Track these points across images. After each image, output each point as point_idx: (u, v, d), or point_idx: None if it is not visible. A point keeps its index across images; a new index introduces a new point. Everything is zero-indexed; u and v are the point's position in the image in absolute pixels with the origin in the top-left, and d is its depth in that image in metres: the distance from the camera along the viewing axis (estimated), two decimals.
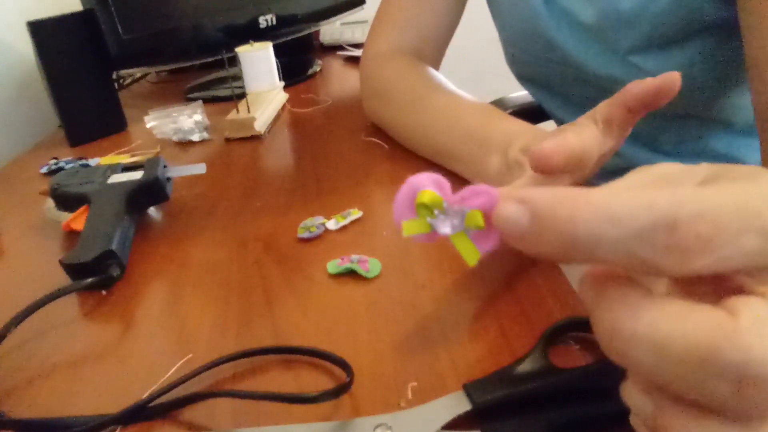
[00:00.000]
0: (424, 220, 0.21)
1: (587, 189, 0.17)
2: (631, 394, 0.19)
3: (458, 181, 0.52)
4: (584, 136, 0.34)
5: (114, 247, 0.44)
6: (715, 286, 0.18)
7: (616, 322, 0.17)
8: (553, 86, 0.69)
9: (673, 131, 0.63)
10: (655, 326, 0.16)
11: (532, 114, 0.87)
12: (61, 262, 0.43)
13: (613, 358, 0.17)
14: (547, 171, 0.30)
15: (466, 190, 0.21)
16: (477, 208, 0.20)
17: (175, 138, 0.74)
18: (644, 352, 0.16)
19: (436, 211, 0.21)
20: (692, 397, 0.16)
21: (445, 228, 0.21)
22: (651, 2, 0.51)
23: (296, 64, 1.02)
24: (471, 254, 0.21)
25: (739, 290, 0.17)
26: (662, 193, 0.16)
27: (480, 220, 0.20)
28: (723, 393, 0.15)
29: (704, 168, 0.20)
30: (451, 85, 0.59)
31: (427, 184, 0.21)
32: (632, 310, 0.17)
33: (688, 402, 0.17)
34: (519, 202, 0.18)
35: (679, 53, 0.53)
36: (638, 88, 0.33)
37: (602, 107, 0.36)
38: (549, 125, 0.82)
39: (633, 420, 0.20)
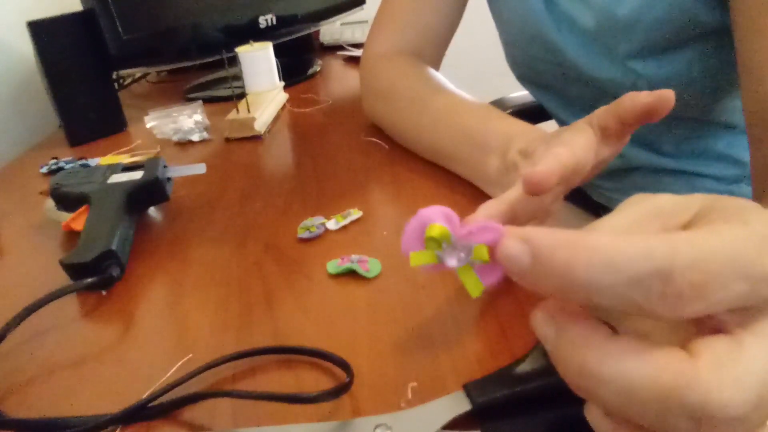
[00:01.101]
0: (432, 252, 0.22)
1: (587, 233, 0.18)
2: (593, 415, 0.20)
3: (459, 181, 0.52)
4: (578, 148, 0.34)
5: (114, 247, 0.44)
6: (696, 321, 0.19)
7: (583, 365, 0.18)
8: (554, 87, 0.69)
9: (673, 132, 0.63)
10: (620, 370, 0.17)
11: (532, 114, 0.87)
12: (61, 262, 0.43)
13: (580, 394, 0.19)
14: (541, 194, 0.30)
15: (474, 225, 0.21)
16: (484, 243, 0.21)
17: (175, 138, 0.74)
18: (610, 393, 0.17)
19: (444, 244, 0.22)
20: (652, 428, 0.17)
21: (452, 261, 0.22)
22: (647, 9, 0.51)
23: (296, 64, 1.02)
24: (475, 287, 0.22)
25: (717, 327, 0.18)
26: (659, 242, 0.17)
27: (486, 255, 0.21)
28: (684, 430, 0.16)
29: (698, 201, 0.20)
30: (450, 86, 0.59)
31: (436, 218, 0.22)
32: (598, 353, 0.17)
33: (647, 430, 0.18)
34: (521, 240, 0.18)
35: (677, 58, 0.53)
36: (631, 103, 0.33)
37: (599, 113, 0.36)
38: (550, 125, 0.82)
39: None
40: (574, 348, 0.18)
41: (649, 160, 0.66)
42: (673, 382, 0.16)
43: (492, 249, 0.21)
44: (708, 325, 0.18)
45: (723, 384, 0.16)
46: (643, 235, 0.17)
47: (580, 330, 0.18)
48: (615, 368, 0.17)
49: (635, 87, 0.57)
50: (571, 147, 0.33)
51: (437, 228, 0.22)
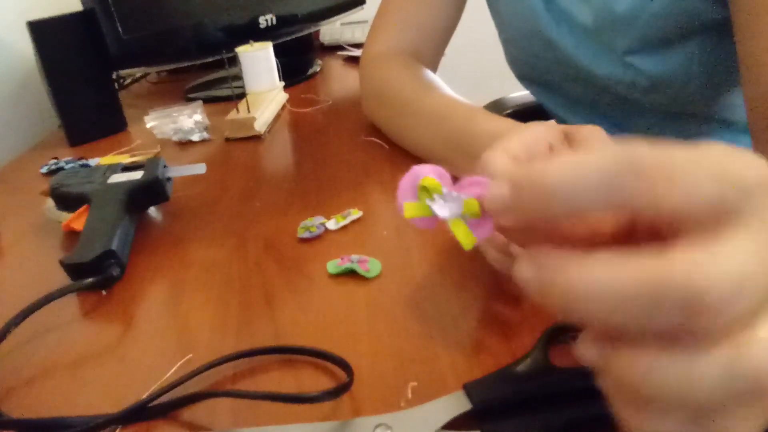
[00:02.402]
0: (425, 204, 0.23)
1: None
2: (586, 348, 0.20)
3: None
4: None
5: (114, 247, 0.44)
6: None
7: (568, 285, 0.18)
8: (554, 85, 0.69)
9: (673, 129, 0.63)
10: (605, 277, 0.17)
11: (532, 114, 0.87)
12: (61, 262, 0.43)
13: (574, 317, 0.18)
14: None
15: (464, 180, 0.23)
16: (474, 197, 0.22)
17: (175, 138, 0.74)
18: (600, 303, 0.17)
19: (435, 196, 0.23)
20: (648, 335, 0.17)
21: (443, 212, 0.23)
22: (646, 4, 0.51)
23: (296, 64, 1.02)
24: (467, 239, 0.22)
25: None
26: (623, 147, 0.18)
27: (476, 208, 0.22)
28: (674, 322, 0.17)
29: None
30: (442, 87, 0.59)
31: (429, 172, 0.23)
32: (580, 269, 0.18)
33: (642, 343, 0.18)
34: (500, 178, 0.20)
35: (676, 54, 0.53)
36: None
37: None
38: None
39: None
40: (556, 272, 0.18)
41: None
42: (657, 273, 0.17)
43: (482, 203, 0.22)
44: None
45: (704, 268, 0.16)
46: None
47: (559, 256, 0.18)
48: (599, 277, 0.17)
49: (634, 83, 0.57)
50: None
51: (429, 179, 0.23)
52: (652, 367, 0.17)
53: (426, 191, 0.23)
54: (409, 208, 0.23)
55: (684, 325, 0.16)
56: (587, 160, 0.18)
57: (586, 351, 0.20)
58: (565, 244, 0.19)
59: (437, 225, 0.23)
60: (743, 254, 0.17)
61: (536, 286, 0.19)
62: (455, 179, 0.23)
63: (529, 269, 0.19)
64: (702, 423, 0.18)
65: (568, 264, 0.18)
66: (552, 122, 0.37)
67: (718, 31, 0.50)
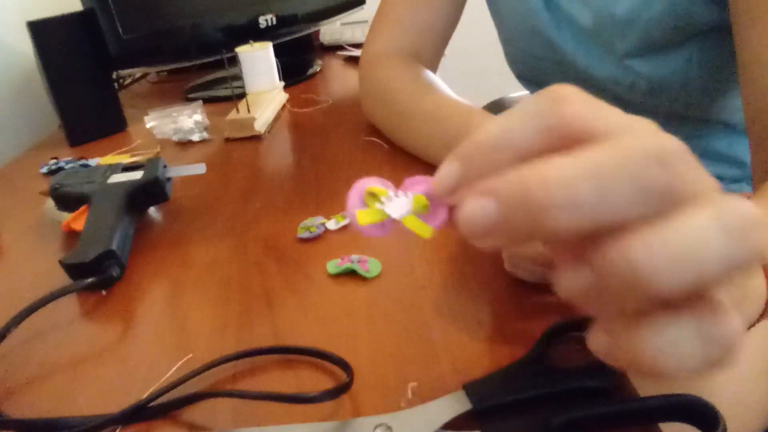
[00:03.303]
0: (376, 209, 0.24)
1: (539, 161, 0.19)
2: (597, 338, 0.20)
3: None
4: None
5: (114, 247, 0.44)
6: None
7: (546, 179, 0.18)
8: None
9: (674, 132, 0.63)
10: (582, 163, 0.18)
11: None
12: (61, 262, 0.43)
13: (559, 223, 0.18)
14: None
15: (406, 182, 0.24)
16: (420, 193, 0.23)
17: (175, 138, 0.74)
18: (586, 186, 0.17)
19: (383, 199, 0.24)
20: (635, 208, 0.17)
21: (395, 211, 0.24)
22: (645, 7, 0.51)
23: (296, 64, 1.02)
24: (424, 229, 0.23)
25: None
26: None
27: (425, 201, 0.23)
28: (657, 180, 0.17)
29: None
30: (441, 87, 0.59)
31: (372, 182, 0.25)
32: (554, 163, 0.18)
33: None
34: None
35: (675, 56, 0.53)
36: None
37: None
38: None
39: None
40: (531, 175, 0.18)
41: None
42: (630, 148, 0.17)
43: (429, 197, 0.23)
44: None
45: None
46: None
47: (524, 167, 0.18)
48: (576, 164, 0.17)
49: (634, 85, 0.57)
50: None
51: (374, 187, 0.24)
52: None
53: (374, 197, 0.24)
54: (363, 215, 0.24)
55: (665, 179, 0.17)
56: (517, 107, 0.20)
57: (597, 339, 0.20)
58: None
59: (391, 230, 0.24)
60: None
61: (504, 208, 0.19)
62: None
63: (489, 202, 0.19)
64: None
65: (541, 165, 0.18)
66: None
67: (717, 34, 0.51)
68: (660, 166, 0.17)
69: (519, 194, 0.18)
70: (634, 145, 0.17)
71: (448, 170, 0.21)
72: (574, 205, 0.17)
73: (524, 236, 0.19)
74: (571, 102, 0.19)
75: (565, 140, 0.19)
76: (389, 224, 0.24)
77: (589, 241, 0.18)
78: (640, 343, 0.18)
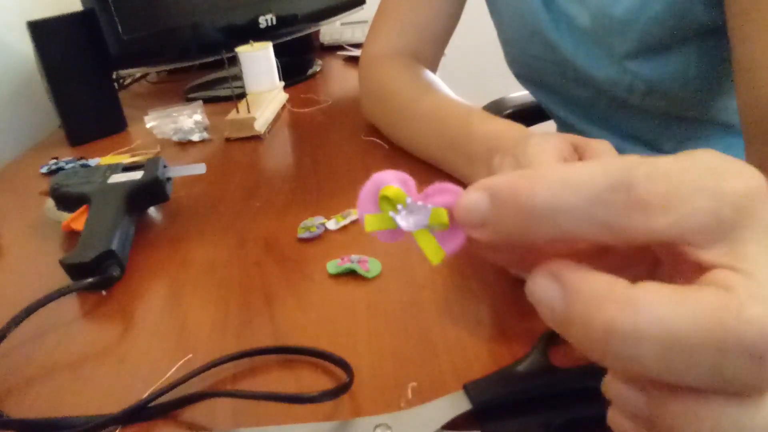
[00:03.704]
0: (388, 216, 0.21)
1: (543, 166, 0.17)
2: (617, 389, 0.18)
3: (458, 182, 0.52)
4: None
5: (114, 247, 0.44)
6: (673, 270, 0.18)
7: (612, 324, 0.15)
8: (552, 86, 0.69)
9: (673, 132, 0.63)
10: (659, 318, 0.15)
11: (532, 114, 0.87)
12: (61, 262, 0.43)
13: (607, 363, 0.16)
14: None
15: (431, 188, 0.21)
16: (442, 206, 0.20)
17: (175, 138, 0.74)
18: (651, 349, 0.15)
19: (399, 207, 0.21)
20: (704, 384, 0.15)
21: (407, 224, 0.20)
22: (643, 9, 0.51)
23: (296, 64, 1.02)
24: (434, 252, 0.20)
25: (697, 268, 0.17)
26: (614, 159, 0.17)
27: (444, 218, 0.20)
28: (743, 372, 0.15)
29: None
30: (441, 87, 0.59)
31: (391, 181, 0.21)
32: (628, 305, 0.15)
33: (688, 388, 0.16)
34: (478, 189, 0.18)
35: (674, 58, 0.53)
36: None
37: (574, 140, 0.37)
38: (549, 125, 0.82)
39: (613, 416, 0.19)
40: (594, 306, 0.15)
41: None
42: (721, 319, 0.14)
43: (452, 213, 0.20)
44: (688, 268, 0.17)
45: None
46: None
47: (598, 282, 0.16)
48: (652, 317, 0.15)
49: (632, 86, 0.57)
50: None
51: (391, 189, 0.21)
52: (721, 420, 0.15)
53: (389, 201, 0.21)
54: (371, 221, 0.21)
55: (754, 376, 0.15)
56: (576, 175, 0.16)
57: (613, 393, 0.18)
58: (543, 258, 0.18)
59: (404, 238, 0.21)
60: None
61: (562, 315, 0.17)
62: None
63: (555, 292, 0.17)
64: None
65: (612, 297, 0.15)
66: (562, 135, 0.37)
67: (715, 36, 0.50)
68: (752, 361, 0.14)
69: (571, 328, 0.16)
70: (726, 320, 0.14)
71: (475, 202, 0.18)
72: (634, 361, 0.15)
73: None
74: (661, 203, 0.16)
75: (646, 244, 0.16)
76: (399, 233, 0.21)
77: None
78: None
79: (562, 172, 0.17)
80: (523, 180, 0.17)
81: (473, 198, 0.18)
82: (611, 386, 0.18)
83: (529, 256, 0.19)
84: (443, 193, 0.20)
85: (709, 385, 0.15)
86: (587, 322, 0.16)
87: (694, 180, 0.16)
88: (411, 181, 0.21)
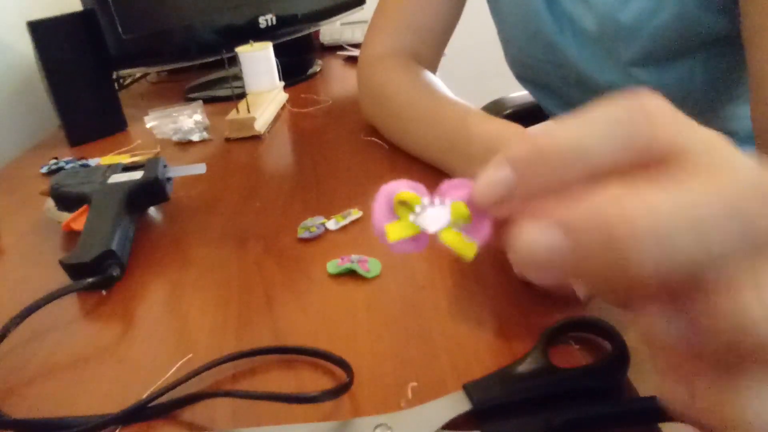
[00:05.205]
0: (408, 222, 0.20)
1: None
2: (668, 387, 0.18)
3: None
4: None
5: (114, 247, 0.44)
6: None
7: (629, 215, 0.15)
8: (553, 88, 0.69)
9: None
10: (679, 196, 0.15)
11: (532, 114, 0.87)
12: (61, 262, 0.43)
13: (644, 266, 0.15)
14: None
15: (443, 185, 0.20)
16: (459, 200, 0.19)
17: (175, 138, 0.74)
18: (681, 224, 0.15)
19: (417, 209, 0.20)
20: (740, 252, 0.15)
21: (431, 224, 0.20)
22: (651, 16, 0.50)
23: (296, 64, 1.02)
24: (466, 248, 0.19)
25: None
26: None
27: (465, 210, 0.19)
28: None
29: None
30: (440, 88, 0.59)
31: (402, 188, 0.20)
32: (644, 194, 0.15)
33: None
34: (493, 164, 0.17)
35: (679, 66, 0.53)
36: None
37: None
38: None
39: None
40: (615, 214, 0.15)
41: None
42: (731, 180, 0.15)
43: (470, 204, 0.19)
44: None
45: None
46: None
47: (603, 198, 0.15)
48: (669, 202, 0.15)
49: None
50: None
51: (405, 192, 0.20)
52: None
53: (405, 206, 0.20)
54: (393, 230, 0.20)
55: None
56: (586, 115, 0.17)
57: (676, 392, 0.18)
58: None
59: (427, 245, 0.20)
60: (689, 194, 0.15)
61: (575, 240, 0.16)
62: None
63: (552, 232, 0.16)
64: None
65: (627, 192, 0.15)
66: None
67: (721, 46, 0.50)
68: None
69: (598, 235, 0.15)
70: (735, 180, 0.15)
71: (495, 176, 0.18)
72: (667, 252, 0.15)
73: (596, 279, 0.17)
74: (663, 116, 0.17)
75: (647, 160, 0.17)
76: (424, 238, 0.20)
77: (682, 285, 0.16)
78: (736, 404, 0.16)
79: (573, 118, 0.17)
80: (537, 135, 0.17)
81: (492, 172, 0.18)
82: (664, 387, 0.18)
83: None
84: (457, 188, 0.20)
85: (746, 253, 0.15)
86: (608, 233, 0.15)
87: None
88: (421, 186, 0.21)
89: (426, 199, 0.20)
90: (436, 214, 0.20)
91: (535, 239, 0.16)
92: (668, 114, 0.17)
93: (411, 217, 0.20)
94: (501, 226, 0.19)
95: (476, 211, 0.19)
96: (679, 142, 0.17)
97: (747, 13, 0.42)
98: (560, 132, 0.17)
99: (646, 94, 0.18)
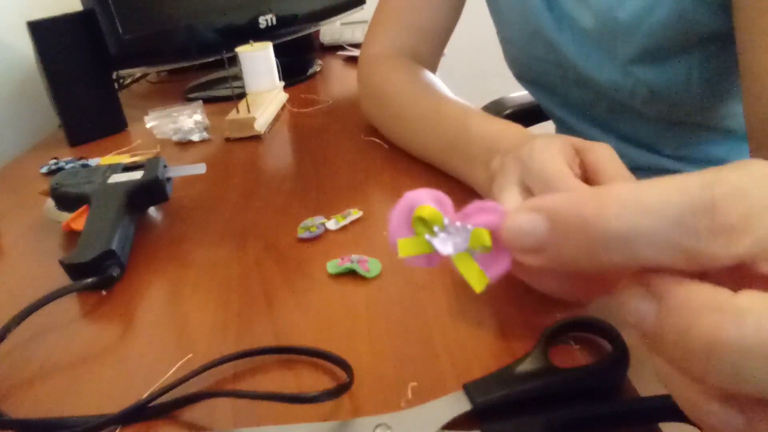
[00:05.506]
0: (423, 239, 0.19)
1: (606, 186, 0.16)
2: (712, 410, 0.16)
3: (458, 182, 0.52)
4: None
5: (114, 247, 0.44)
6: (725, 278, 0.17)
7: (716, 332, 0.14)
8: (553, 87, 0.69)
9: (673, 136, 0.63)
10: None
11: (532, 114, 0.87)
12: (61, 262, 0.43)
13: (711, 376, 0.15)
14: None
15: (470, 207, 0.19)
16: (483, 227, 0.18)
17: (175, 138, 0.74)
18: (758, 361, 0.14)
19: (436, 228, 0.19)
20: None
21: (446, 248, 0.19)
22: (648, 14, 0.50)
23: (296, 64, 1.02)
24: (477, 279, 0.18)
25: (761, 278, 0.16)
26: (690, 176, 0.15)
27: (487, 240, 0.18)
28: None
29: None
30: (440, 88, 0.59)
31: (425, 200, 0.19)
32: (733, 313, 0.14)
33: None
34: (532, 209, 0.16)
35: (677, 64, 0.53)
36: None
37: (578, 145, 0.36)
38: (548, 126, 0.82)
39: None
40: (694, 316, 0.14)
41: (651, 162, 0.66)
42: None
43: (494, 234, 0.18)
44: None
45: None
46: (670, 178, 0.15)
47: (697, 291, 0.15)
48: (761, 328, 0.13)
49: (634, 91, 0.57)
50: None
51: (427, 209, 0.19)
52: None
53: (424, 223, 0.19)
54: (405, 246, 0.19)
55: None
56: (651, 197, 0.15)
57: (710, 415, 0.16)
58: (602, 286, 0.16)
59: (440, 263, 0.19)
60: None
61: (658, 328, 0.15)
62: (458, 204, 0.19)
63: (649, 304, 0.15)
64: None
65: (717, 306, 0.14)
66: (564, 137, 0.37)
67: (719, 43, 0.50)
68: None
69: (666, 341, 0.15)
70: None
71: (531, 224, 0.16)
72: (740, 376, 0.14)
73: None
74: (744, 231, 0.14)
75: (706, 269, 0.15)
76: (437, 256, 0.19)
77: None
78: None
79: (636, 193, 0.15)
80: (590, 202, 0.15)
81: (527, 219, 0.16)
82: (703, 406, 0.16)
83: (582, 284, 0.17)
84: (484, 212, 0.18)
85: None
86: (685, 333, 0.14)
87: (764, 196, 0.15)
88: (447, 200, 0.20)
89: (447, 221, 0.19)
90: (455, 237, 0.19)
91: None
92: (741, 220, 0.15)
93: (428, 237, 0.19)
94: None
95: (498, 244, 0.18)
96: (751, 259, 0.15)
97: (739, 8, 0.42)
98: (614, 209, 0.15)
99: (718, 180, 0.15)
